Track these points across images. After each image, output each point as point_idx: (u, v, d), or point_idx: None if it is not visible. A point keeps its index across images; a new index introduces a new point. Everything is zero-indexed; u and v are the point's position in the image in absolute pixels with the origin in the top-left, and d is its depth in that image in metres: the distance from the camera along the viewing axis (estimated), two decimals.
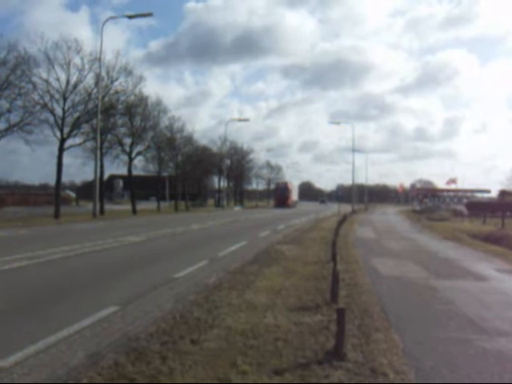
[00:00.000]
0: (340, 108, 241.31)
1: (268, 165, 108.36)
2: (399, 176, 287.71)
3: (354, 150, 74.87)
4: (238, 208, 78.72)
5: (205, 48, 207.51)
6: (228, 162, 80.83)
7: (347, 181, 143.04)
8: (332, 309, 7.50)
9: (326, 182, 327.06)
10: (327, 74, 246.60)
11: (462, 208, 67.18)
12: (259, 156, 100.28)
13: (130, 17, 35.69)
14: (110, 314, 7.70)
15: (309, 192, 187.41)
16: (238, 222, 35.63)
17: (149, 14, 35.69)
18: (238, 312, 7.63)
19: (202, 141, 75.09)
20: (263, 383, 4.84)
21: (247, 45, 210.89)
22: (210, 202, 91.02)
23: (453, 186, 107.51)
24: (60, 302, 8.58)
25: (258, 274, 11.28)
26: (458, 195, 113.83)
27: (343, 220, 30.61)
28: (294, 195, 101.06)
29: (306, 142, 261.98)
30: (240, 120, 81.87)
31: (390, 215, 59.03)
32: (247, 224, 34.15)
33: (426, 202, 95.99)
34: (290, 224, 33.07)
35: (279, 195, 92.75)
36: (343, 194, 71.34)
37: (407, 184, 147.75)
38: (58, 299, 8.82)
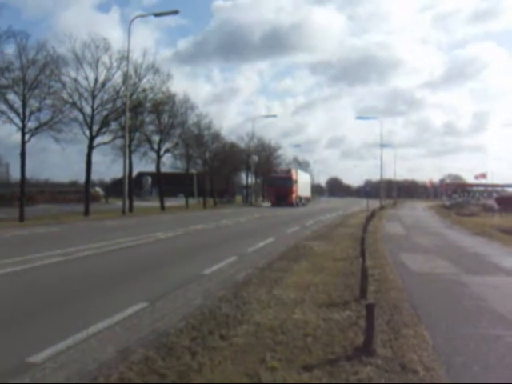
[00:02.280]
0: (368, 104, 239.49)
1: (295, 161, 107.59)
2: (428, 171, 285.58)
3: (382, 146, 74.38)
4: (265, 204, 78.61)
5: (233, 45, 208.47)
6: (255, 158, 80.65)
7: (375, 176, 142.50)
8: (361, 305, 7.44)
9: (354, 177, 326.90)
10: (355, 70, 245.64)
11: (492, 203, 66.24)
12: (287, 152, 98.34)
13: (157, 14, 36.19)
14: (140, 310, 7.79)
15: (337, 188, 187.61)
16: (265, 219, 35.63)
17: (175, 12, 35.88)
18: (266, 308, 7.63)
19: (230, 137, 75.35)
20: (293, 383, 4.83)
21: (275, 42, 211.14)
22: (238, 198, 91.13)
23: (482, 181, 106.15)
24: (90, 298, 8.68)
25: (287, 270, 11.26)
26: (488, 190, 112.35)
27: (371, 216, 30.36)
28: (304, 189, 74.73)
29: (333, 137, 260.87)
30: (267, 116, 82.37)
31: (418, 211, 58.42)
32: (275, 220, 34.12)
33: (456, 198, 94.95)
34: (319, 220, 32.99)
35: (277, 188, 65.31)
36: (371, 190, 70.60)
37: (436, 179, 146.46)
38: (88, 295, 8.93)
